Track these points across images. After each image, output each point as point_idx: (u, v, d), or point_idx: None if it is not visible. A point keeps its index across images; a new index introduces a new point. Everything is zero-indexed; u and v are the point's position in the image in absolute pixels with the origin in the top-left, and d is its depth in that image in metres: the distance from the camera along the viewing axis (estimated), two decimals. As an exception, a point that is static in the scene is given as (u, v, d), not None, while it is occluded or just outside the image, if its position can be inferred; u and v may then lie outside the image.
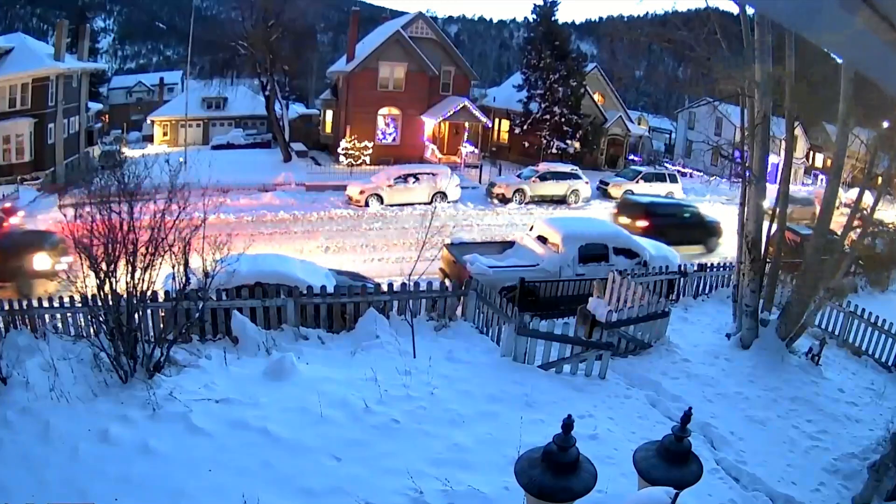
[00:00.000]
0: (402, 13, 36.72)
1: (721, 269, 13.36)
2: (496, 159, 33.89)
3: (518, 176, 26.78)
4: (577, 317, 10.07)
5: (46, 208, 21.05)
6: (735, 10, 10.70)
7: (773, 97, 10.12)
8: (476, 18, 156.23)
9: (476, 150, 33.02)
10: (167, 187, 7.23)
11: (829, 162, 23.20)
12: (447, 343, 8.95)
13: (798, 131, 31.16)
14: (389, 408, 6.50)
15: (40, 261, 13.65)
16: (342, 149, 31.32)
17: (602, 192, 27.77)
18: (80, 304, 8.30)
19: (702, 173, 34.98)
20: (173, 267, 7.23)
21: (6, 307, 8.76)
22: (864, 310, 11.19)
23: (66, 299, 8.67)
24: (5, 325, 8.64)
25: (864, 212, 11.08)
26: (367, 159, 31.16)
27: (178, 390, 6.38)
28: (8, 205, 20.43)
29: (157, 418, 5.94)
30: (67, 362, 6.86)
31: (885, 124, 11.35)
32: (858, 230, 11.08)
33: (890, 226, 14.65)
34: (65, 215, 7.36)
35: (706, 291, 13.10)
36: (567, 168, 27.39)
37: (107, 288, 6.73)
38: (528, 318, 8.52)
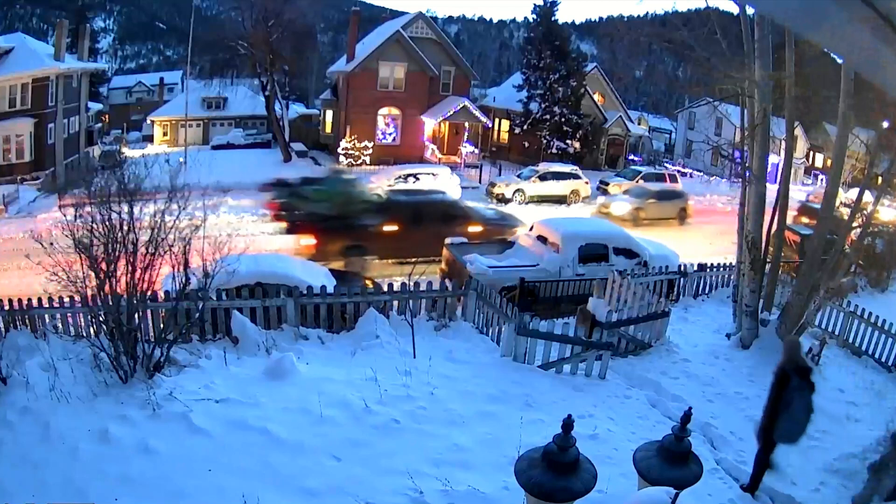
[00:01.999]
0: (402, 13, 36.76)
1: (721, 269, 13.36)
2: (496, 159, 33.90)
3: (518, 176, 26.79)
4: (577, 317, 10.07)
5: (46, 208, 21.07)
6: (735, 10, 10.70)
7: (774, 97, 10.12)
8: (476, 18, 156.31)
9: (476, 150, 33.03)
10: (167, 187, 7.24)
11: (829, 162, 23.19)
12: (447, 343, 8.95)
13: (798, 131, 31.19)
14: (389, 408, 6.50)
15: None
16: (342, 149, 31.33)
17: (602, 192, 27.74)
18: (80, 304, 8.30)
19: (702, 173, 34.99)
20: (173, 267, 7.23)
21: (6, 307, 8.76)
22: (864, 310, 11.18)
23: (66, 299, 8.67)
24: (5, 325, 8.64)
25: (864, 211, 11.08)
26: (367, 159, 31.17)
27: (178, 390, 6.38)
28: None
29: (157, 418, 5.94)
30: (67, 362, 6.86)
31: (885, 124, 11.35)
32: (858, 230, 11.08)
33: (890, 226, 14.66)
34: (65, 215, 7.36)
35: (706, 291, 13.10)
36: (567, 168, 27.40)
37: (107, 288, 6.73)
38: (528, 318, 8.52)
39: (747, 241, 10.28)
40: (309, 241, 14.08)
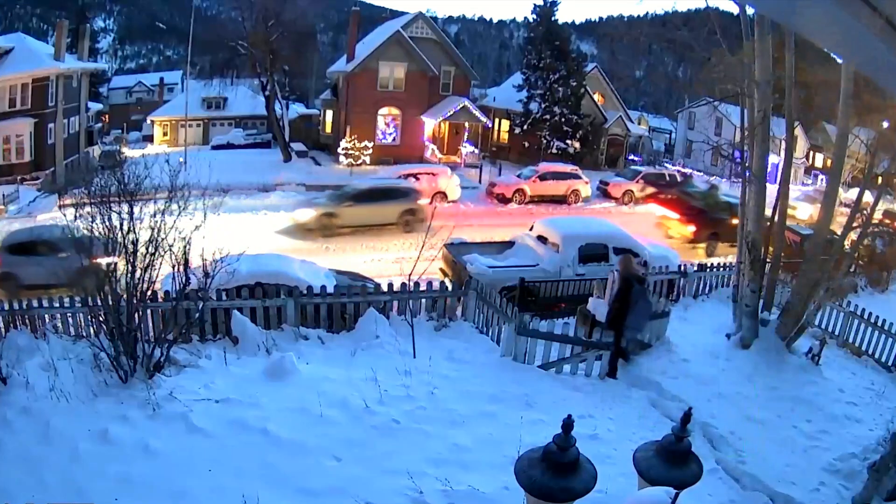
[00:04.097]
0: (402, 13, 36.75)
1: (721, 269, 13.36)
2: (496, 159, 33.89)
3: (518, 176, 26.79)
4: (577, 317, 10.06)
5: (46, 208, 21.07)
6: (735, 10, 10.70)
7: (773, 97, 10.12)
8: (476, 18, 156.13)
9: (476, 150, 33.02)
10: (167, 187, 7.24)
11: (829, 162, 23.16)
12: (447, 343, 8.95)
13: (798, 131, 31.21)
14: (389, 408, 6.50)
15: None
16: (342, 149, 31.33)
17: (602, 192, 27.77)
18: (80, 304, 8.30)
19: (702, 173, 35.00)
20: (173, 267, 7.23)
21: (6, 307, 8.75)
22: (864, 310, 11.18)
23: (66, 299, 8.66)
24: (5, 325, 8.64)
25: (865, 211, 11.08)
26: (367, 159, 31.16)
27: (178, 390, 6.38)
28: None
29: (157, 418, 5.94)
30: (67, 362, 6.86)
31: (885, 124, 11.35)
32: (859, 230, 11.07)
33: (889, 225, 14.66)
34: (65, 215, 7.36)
35: (706, 291, 13.10)
36: (567, 168, 27.41)
37: (107, 288, 6.73)
38: (528, 318, 8.52)
39: (747, 241, 10.27)
40: (691, 227, 19.22)
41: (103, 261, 6.65)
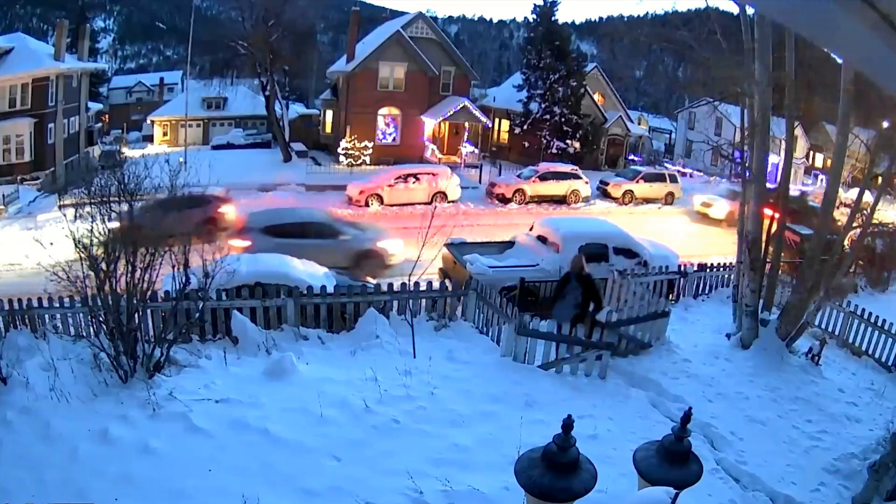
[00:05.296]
0: (402, 13, 36.73)
1: (721, 269, 13.37)
2: (496, 159, 33.86)
3: (518, 176, 26.77)
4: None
5: (46, 208, 21.08)
6: (735, 10, 10.70)
7: (773, 97, 10.12)
8: (476, 18, 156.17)
9: (476, 150, 33.00)
10: (167, 187, 7.24)
11: (829, 162, 23.17)
12: (447, 343, 8.94)
13: (798, 131, 31.15)
14: (389, 408, 6.50)
15: None
16: (342, 149, 31.30)
17: (602, 192, 27.76)
18: (80, 304, 8.30)
19: (702, 173, 34.99)
20: (173, 267, 7.23)
21: (6, 307, 8.75)
22: (864, 310, 11.19)
23: (66, 299, 8.66)
24: (5, 325, 8.64)
25: (865, 212, 11.09)
26: (367, 159, 31.13)
27: (178, 390, 6.38)
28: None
29: (157, 418, 5.94)
30: (67, 362, 6.86)
31: (885, 124, 11.35)
32: (859, 230, 11.07)
33: (890, 226, 14.66)
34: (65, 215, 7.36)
35: (706, 291, 13.10)
36: (567, 168, 27.39)
37: (107, 288, 6.73)
38: (528, 318, 8.53)
39: (747, 241, 10.27)
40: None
41: None
